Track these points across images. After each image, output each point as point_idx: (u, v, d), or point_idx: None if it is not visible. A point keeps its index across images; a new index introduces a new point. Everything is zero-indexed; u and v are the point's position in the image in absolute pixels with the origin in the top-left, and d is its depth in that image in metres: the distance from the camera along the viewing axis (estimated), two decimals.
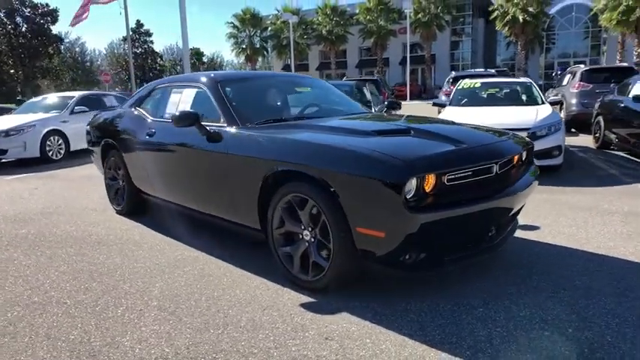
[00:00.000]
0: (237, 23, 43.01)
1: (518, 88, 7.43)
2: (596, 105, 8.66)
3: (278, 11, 42.15)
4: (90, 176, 7.41)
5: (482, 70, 15.59)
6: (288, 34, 39.36)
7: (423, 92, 37.69)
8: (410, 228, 2.33)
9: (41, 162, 9.05)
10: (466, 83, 7.71)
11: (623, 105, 7.25)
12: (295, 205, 2.76)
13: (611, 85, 10.04)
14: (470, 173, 2.54)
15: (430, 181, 2.39)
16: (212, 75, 3.73)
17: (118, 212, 4.82)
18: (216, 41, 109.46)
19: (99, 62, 58.55)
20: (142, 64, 47.37)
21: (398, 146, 2.59)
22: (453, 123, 3.42)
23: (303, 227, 2.78)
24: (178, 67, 59.29)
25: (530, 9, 27.60)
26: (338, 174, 2.46)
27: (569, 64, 35.66)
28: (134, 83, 22.64)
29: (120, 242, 3.89)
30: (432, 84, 37.97)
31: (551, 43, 39.09)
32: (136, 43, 47.32)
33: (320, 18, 39.63)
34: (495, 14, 29.82)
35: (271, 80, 4.21)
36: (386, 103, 4.63)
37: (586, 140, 9.15)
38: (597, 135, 8.34)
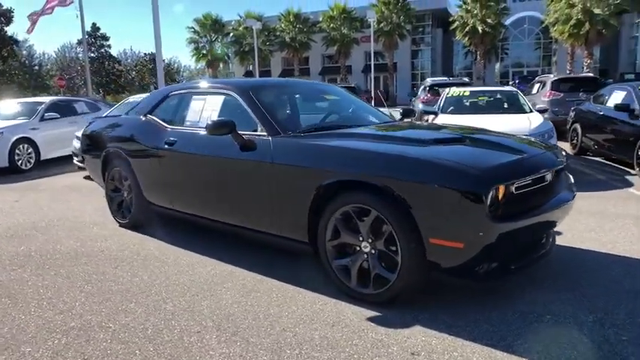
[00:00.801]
0: (197, 28, 42.21)
1: (506, 96, 7.66)
2: (572, 113, 9.07)
3: (240, 17, 41.75)
4: (72, 187, 7.00)
5: (456, 78, 16.04)
6: (251, 39, 39.04)
7: (386, 99, 38.35)
8: (489, 238, 2.31)
9: (9, 172, 8.44)
10: (455, 91, 7.87)
11: (601, 113, 7.62)
12: (354, 215, 2.67)
13: (580, 94, 10.61)
14: (530, 182, 2.56)
15: (502, 190, 2.38)
16: (242, 82, 3.59)
17: (123, 225, 4.54)
18: (173, 46, 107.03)
19: (48, 66, 55.69)
20: (99, 68, 45.49)
21: (469, 156, 2.57)
22: (498, 132, 3.44)
23: (361, 239, 2.70)
24: (134, 73, 57.47)
25: (489, 20, 28.77)
26: (412, 185, 2.40)
27: (522, 73, 37.50)
28: (90, 89, 21.64)
29: (139, 258, 3.66)
30: (394, 91, 38.71)
31: (505, 53, 40.81)
32: (92, 48, 45.37)
33: (283, 25, 39.59)
34: (455, 25, 30.85)
35: (299, 88, 4.11)
36: (401, 111, 4.63)
37: (562, 146, 9.56)
38: (575, 141, 8.73)
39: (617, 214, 4.58)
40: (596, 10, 24.15)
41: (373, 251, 2.67)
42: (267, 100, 3.44)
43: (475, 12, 29.19)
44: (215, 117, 3.56)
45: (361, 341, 2.31)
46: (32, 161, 8.98)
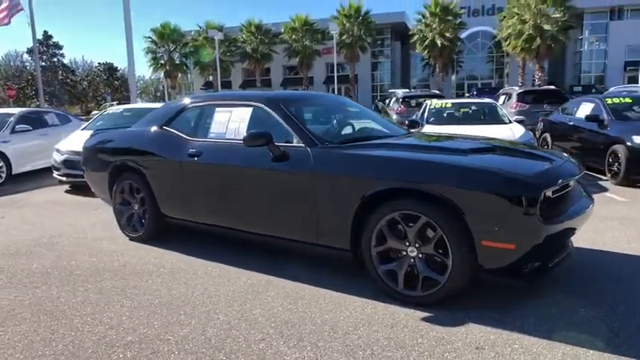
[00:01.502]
0: (155, 38, 41.38)
1: (485, 108, 8.09)
2: (541, 123, 9.66)
3: (200, 27, 41.36)
4: (56, 201, 6.74)
5: (426, 90, 16.61)
6: (211, 50, 38.73)
7: None
8: (538, 239, 2.52)
9: None
10: (437, 103, 8.23)
11: (571, 123, 8.19)
12: (402, 222, 2.81)
13: (545, 105, 11.32)
14: (558, 187, 2.80)
15: (545, 195, 2.59)
16: (270, 94, 3.67)
17: (134, 239, 4.45)
18: (125, 54, 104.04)
19: None
20: (52, 78, 43.58)
21: (514, 164, 2.79)
22: (517, 143, 3.69)
23: (408, 244, 2.84)
24: (85, 83, 55.39)
25: (447, 34, 29.98)
26: (467, 191, 2.57)
27: (477, 85, 39.22)
28: (42, 99, 20.71)
29: (166, 271, 3.62)
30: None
31: (459, 66, 42.59)
32: (44, 56, 43.45)
33: (244, 36, 39.56)
34: (415, 38, 31.91)
35: (321, 100, 4.21)
36: (407, 122, 4.84)
37: None
38: None
39: (605, 216, 4.96)
40: (546, 27, 25.75)
41: (420, 255, 2.81)
42: (300, 112, 3.54)
43: (434, 26, 30.35)
44: (243, 129, 3.62)
45: (425, 340, 2.44)
46: (4, 176, 8.55)
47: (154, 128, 4.26)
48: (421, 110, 8.71)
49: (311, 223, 3.18)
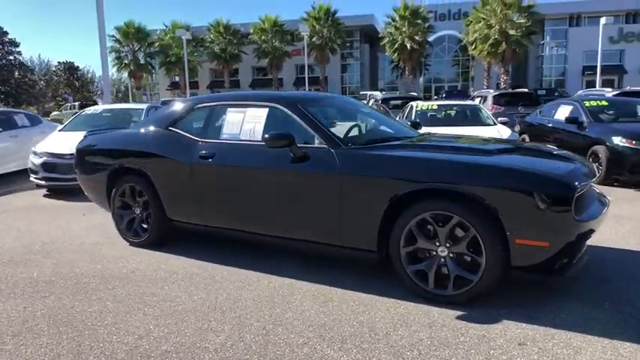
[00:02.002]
0: (119, 37, 40.19)
1: (469, 110, 8.29)
2: (518, 126, 9.98)
3: (166, 27, 40.49)
4: (37, 206, 6.42)
5: (404, 92, 16.83)
6: (178, 50, 38.01)
7: None
8: (571, 236, 2.60)
9: None
10: (423, 105, 8.37)
11: (550, 125, 8.50)
12: (433, 222, 2.84)
13: (519, 107, 11.71)
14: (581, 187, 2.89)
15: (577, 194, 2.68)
16: (287, 95, 3.63)
17: (135, 244, 4.29)
18: (86, 53, 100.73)
19: None
20: (7, 77, 41.46)
21: (545, 164, 2.86)
22: (532, 143, 3.78)
23: (438, 244, 2.87)
24: (42, 82, 53.13)
25: (417, 37, 30.59)
26: (503, 192, 2.62)
27: (443, 87, 40.17)
28: None
29: (180, 277, 3.51)
30: None
31: (426, 69, 43.55)
32: None
33: (212, 36, 39.04)
34: (385, 41, 32.39)
35: (334, 101, 4.18)
36: (409, 123, 4.89)
37: None
38: None
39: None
40: (511, 32, 26.71)
41: (451, 255, 2.84)
42: (317, 112, 3.51)
43: (403, 29, 30.91)
44: (259, 129, 3.56)
45: (467, 338, 2.47)
46: None
47: (158, 129, 4.13)
48: (406, 112, 8.83)
49: (336, 225, 3.16)
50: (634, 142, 6.40)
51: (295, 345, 2.45)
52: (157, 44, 40.11)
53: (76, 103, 34.69)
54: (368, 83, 44.01)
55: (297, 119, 3.42)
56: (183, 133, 3.96)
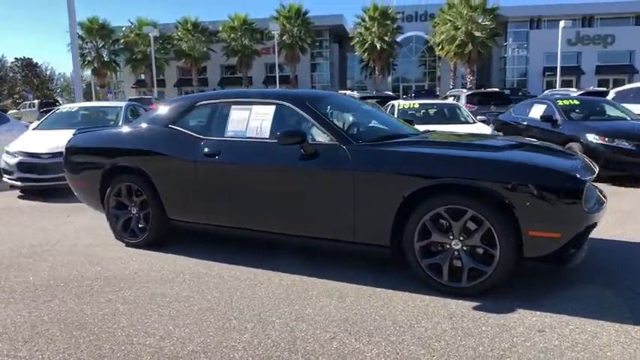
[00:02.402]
0: (82, 33, 38.81)
1: (449, 109, 8.50)
2: (492, 124, 10.29)
3: (132, 23, 39.45)
4: (13, 208, 6.16)
5: (380, 92, 17.04)
6: (144, 47, 37.15)
7: None
8: (581, 227, 2.73)
9: None
10: (405, 104, 8.52)
11: (525, 123, 8.82)
12: (448, 216, 2.91)
13: (491, 106, 12.07)
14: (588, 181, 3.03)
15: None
16: (293, 92, 3.64)
17: (132, 244, 4.19)
18: (45, 49, 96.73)
19: None
20: None
21: (555, 160, 2.97)
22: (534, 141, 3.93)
23: (451, 237, 2.95)
24: None
25: (386, 38, 31.01)
26: (517, 186, 2.71)
27: (411, 87, 40.89)
28: None
29: (187, 277, 3.45)
30: None
31: (393, 69, 44.21)
32: None
33: (180, 33, 38.31)
34: (355, 41, 32.67)
35: (338, 100, 4.18)
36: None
37: None
38: None
39: None
40: (477, 33, 27.50)
41: (465, 248, 2.93)
42: (325, 110, 3.53)
43: (373, 29, 31.26)
44: (267, 127, 3.55)
45: (488, 327, 2.55)
46: None
47: (158, 127, 4.04)
48: (388, 110, 8.96)
49: (348, 221, 3.19)
50: (607, 139, 6.74)
51: (323, 340, 2.47)
52: (122, 41, 39.03)
53: (36, 102, 33.22)
54: (337, 82, 44.26)
55: (307, 116, 3.43)
56: (184, 130, 3.89)
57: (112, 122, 7.94)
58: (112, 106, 8.70)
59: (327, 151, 3.27)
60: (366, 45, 31.51)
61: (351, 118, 3.85)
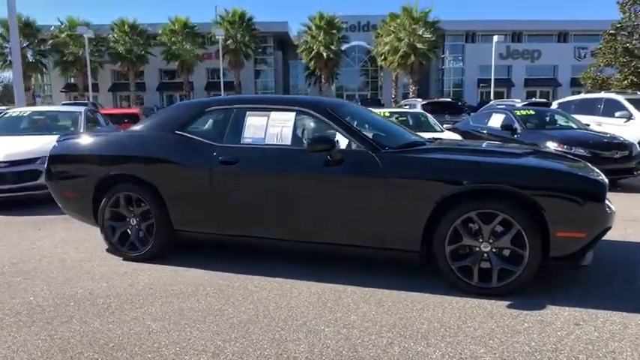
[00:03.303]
0: (3, 31, 35.84)
1: (417, 117, 8.82)
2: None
3: (62, 23, 37.03)
4: None
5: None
6: (76, 49, 35.06)
7: None
8: (602, 227, 2.97)
9: None
10: (377, 112, 8.71)
11: (485, 132, 9.35)
12: (479, 219, 3.05)
13: (446, 115, 12.67)
14: None
15: None
16: (313, 100, 3.64)
17: (131, 258, 3.95)
18: None
19: None
20: None
21: (576, 166, 3.20)
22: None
23: (481, 240, 3.08)
24: None
25: (332, 47, 31.52)
26: (548, 191, 2.90)
27: (354, 96, 41.81)
28: None
29: (210, 289, 3.31)
30: None
31: (336, 78, 44.99)
32: None
33: (116, 35, 36.51)
34: (302, 49, 32.89)
35: (352, 108, 4.17)
36: None
37: None
38: None
39: None
40: (419, 45, 28.69)
41: (494, 250, 3.08)
42: (347, 117, 3.56)
43: (319, 38, 31.65)
44: (287, 134, 3.52)
45: (530, 324, 2.70)
46: None
47: (163, 133, 3.86)
48: None
49: (379, 228, 3.24)
50: (565, 146, 7.31)
51: (383, 345, 2.49)
52: (51, 42, 36.50)
53: None
54: (281, 90, 44.25)
55: (331, 124, 3.45)
56: (195, 137, 3.76)
57: (72, 128, 7.44)
58: (68, 111, 8.15)
59: (355, 158, 3.30)
60: (313, 53, 31.85)
61: (367, 126, 3.90)
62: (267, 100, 3.94)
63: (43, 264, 3.94)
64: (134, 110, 14.19)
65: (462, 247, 3.14)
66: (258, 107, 3.70)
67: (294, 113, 3.58)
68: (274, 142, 3.54)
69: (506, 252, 3.10)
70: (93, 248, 4.33)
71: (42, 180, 6.18)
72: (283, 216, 3.48)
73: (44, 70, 39.77)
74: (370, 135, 3.54)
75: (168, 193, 3.74)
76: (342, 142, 3.51)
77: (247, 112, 3.69)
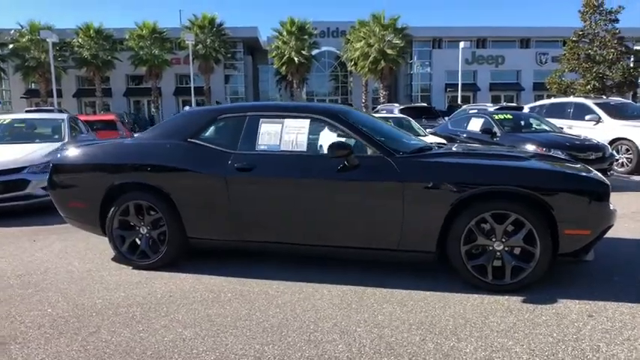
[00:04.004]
0: None
1: (401, 122, 9.04)
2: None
3: (22, 27, 35.68)
4: None
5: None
6: (38, 54, 33.89)
7: None
8: (606, 224, 3.19)
9: None
10: None
11: (465, 135, 9.67)
12: (492, 220, 3.22)
13: (423, 119, 12.99)
14: None
15: None
16: (324, 107, 3.74)
17: (142, 267, 3.93)
18: None
19: None
20: None
21: (579, 169, 3.43)
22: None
23: (494, 239, 3.26)
24: None
25: (303, 52, 31.69)
26: (557, 191, 3.10)
27: (325, 101, 42.08)
28: None
29: (231, 295, 3.35)
30: None
31: (305, 83, 45.17)
32: None
33: (81, 40, 35.47)
34: (274, 54, 32.91)
35: (358, 114, 4.28)
36: None
37: None
38: None
39: None
40: (389, 51, 29.24)
41: (507, 248, 3.26)
42: (360, 123, 3.68)
43: (291, 44, 31.75)
44: (302, 141, 3.61)
45: (547, 317, 2.88)
46: None
47: (175, 141, 3.86)
48: None
49: (396, 230, 3.36)
50: (544, 149, 7.67)
51: (417, 342, 2.60)
52: (11, 46, 35.10)
53: None
54: (252, 95, 44.07)
55: (346, 130, 3.56)
56: (209, 145, 3.78)
57: (57, 137, 7.26)
58: (50, 119, 7.94)
59: (371, 163, 3.42)
60: (285, 58, 31.93)
61: (374, 131, 4.02)
62: (281, 107, 4.01)
63: (50, 275, 3.87)
64: (110, 117, 13.89)
65: (476, 247, 3.31)
66: (272, 114, 3.77)
67: (308, 120, 3.67)
68: (289, 149, 3.62)
69: (517, 250, 3.29)
70: (98, 258, 4.28)
71: (29, 190, 6.06)
72: (300, 220, 3.56)
73: (3, 75, 38.28)
74: (386, 140, 3.66)
75: (182, 201, 3.75)
76: None
77: (261, 120, 3.75)
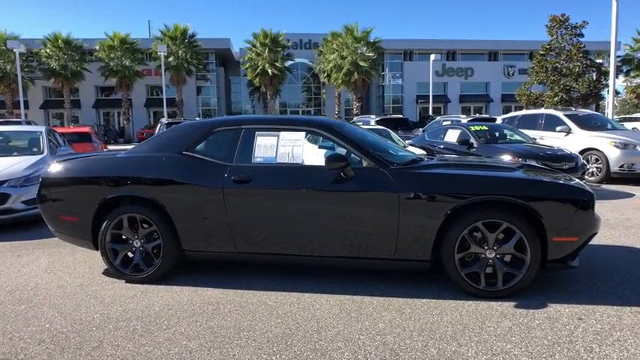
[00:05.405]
0: None
1: (381, 134, 9.20)
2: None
3: None
4: None
5: None
6: (4, 64, 32.89)
7: None
8: (592, 232, 3.38)
9: None
10: None
11: (442, 146, 9.94)
12: (485, 228, 3.36)
13: (398, 131, 13.26)
14: None
15: None
16: (319, 120, 3.83)
17: (135, 280, 3.89)
18: None
19: None
20: None
21: (565, 178, 3.61)
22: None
23: (486, 247, 3.40)
24: None
25: (277, 64, 31.83)
26: (547, 201, 3.27)
27: (298, 112, 42.31)
28: None
29: (233, 307, 3.36)
30: None
31: (278, 94, 45.31)
32: None
33: (49, 50, 34.59)
34: (247, 66, 32.91)
35: (349, 127, 4.36)
36: None
37: None
38: None
39: None
40: (362, 63, 29.72)
41: (498, 256, 3.40)
42: (353, 136, 3.78)
43: (264, 55, 31.86)
44: (299, 153, 3.68)
45: (540, 321, 3.02)
46: None
47: (169, 154, 3.87)
48: None
49: (392, 240, 3.46)
50: (520, 159, 7.98)
51: (420, 348, 2.69)
52: None
53: None
54: (224, 106, 43.86)
55: (341, 142, 3.65)
56: (204, 157, 3.81)
57: (35, 149, 7.09)
58: (27, 131, 7.75)
59: (367, 174, 3.52)
60: (258, 70, 31.98)
61: (369, 143, 4.14)
62: (276, 120, 4.07)
63: (41, 291, 3.78)
64: (85, 129, 13.59)
65: (469, 255, 3.44)
66: (267, 127, 3.83)
67: (303, 133, 3.75)
68: (286, 161, 3.68)
69: (508, 257, 3.43)
70: (88, 272, 4.21)
71: (9, 204, 5.89)
72: (297, 231, 3.61)
73: None
74: (380, 152, 3.77)
75: (178, 213, 3.75)
76: None
77: (257, 132, 3.81)
